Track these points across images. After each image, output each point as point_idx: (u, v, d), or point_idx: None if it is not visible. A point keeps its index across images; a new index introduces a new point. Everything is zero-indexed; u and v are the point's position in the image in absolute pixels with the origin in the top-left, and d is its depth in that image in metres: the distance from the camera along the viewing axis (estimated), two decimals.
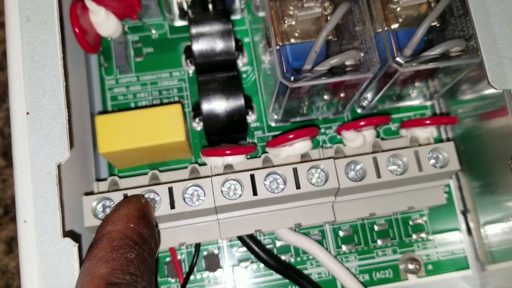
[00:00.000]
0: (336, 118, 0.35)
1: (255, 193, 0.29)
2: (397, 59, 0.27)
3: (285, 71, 0.27)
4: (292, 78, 0.27)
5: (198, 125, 0.35)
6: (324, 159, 0.30)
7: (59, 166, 0.23)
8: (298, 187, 0.29)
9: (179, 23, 0.36)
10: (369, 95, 0.33)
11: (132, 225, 0.24)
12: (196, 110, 0.35)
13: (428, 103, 0.35)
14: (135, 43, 0.37)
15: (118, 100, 0.36)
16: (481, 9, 0.24)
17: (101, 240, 0.23)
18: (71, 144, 0.23)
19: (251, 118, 0.35)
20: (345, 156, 0.30)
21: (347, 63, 0.28)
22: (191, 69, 0.36)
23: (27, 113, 0.23)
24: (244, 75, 0.36)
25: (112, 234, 0.23)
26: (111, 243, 0.23)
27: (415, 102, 0.35)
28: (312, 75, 0.27)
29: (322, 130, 0.35)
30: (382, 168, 0.29)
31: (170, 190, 0.29)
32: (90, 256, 0.22)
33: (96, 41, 0.34)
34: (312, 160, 0.30)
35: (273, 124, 0.35)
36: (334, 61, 0.27)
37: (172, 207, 0.28)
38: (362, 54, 0.27)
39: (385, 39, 0.27)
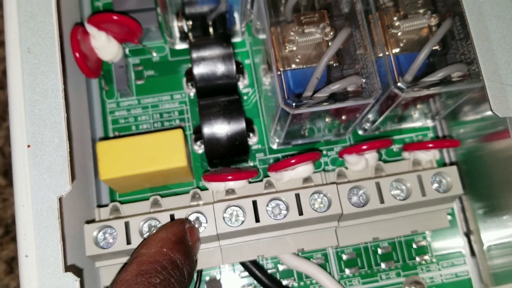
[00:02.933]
0: (338, 140, 0.35)
1: (257, 220, 0.28)
2: (399, 84, 0.27)
3: (286, 97, 0.27)
4: (294, 104, 0.27)
5: (199, 148, 0.35)
6: (327, 184, 0.29)
7: (60, 199, 0.22)
8: (300, 213, 0.28)
9: (180, 46, 0.36)
10: (370, 117, 0.32)
11: (165, 250, 0.24)
12: (198, 133, 0.35)
13: (430, 124, 0.35)
14: (136, 66, 0.37)
15: (119, 123, 0.36)
16: (482, 36, 0.24)
17: (132, 263, 0.23)
18: (73, 177, 0.23)
19: (252, 140, 0.35)
20: (348, 181, 0.30)
21: (348, 88, 0.28)
22: (192, 92, 0.36)
23: (28, 146, 0.23)
24: (245, 97, 0.36)
25: (143, 258, 0.23)
26: (139, 267, 0.23)
27: (417, 124, 0.34)
28: (313, 102, 0.27)
29: (324, 152, 0.35)
30: (385, 193, 0.29)
31: (172, 217, 0.28)
32: (118, 279, 0.22)
33: (97, 65, 0.34)
34: (314, 186, 0.30)
35: (274, 147, 0.35)
36: (335, 87, 0.27)
37: None
38: (364, 80, 0.27)
39: (387, 64, 0.27)
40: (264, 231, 0.30)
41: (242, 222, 0.28)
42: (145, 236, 0.28)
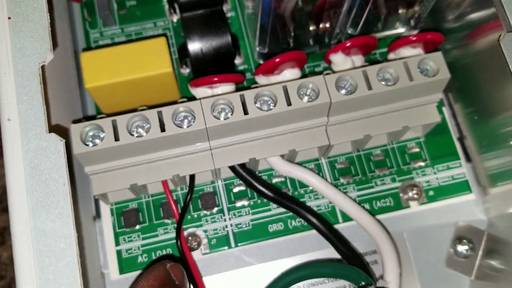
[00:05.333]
0: (323, 53, 0.35)
1: (246, 113, 0.28)
2: None
3: None
4: None
5: (185, 71, 0.35)
6: (314, 75, 0.29)
7: (43, 67, 0.22)
8: (289, 104, 0.28)
9: None
10: (353, 21, 0.33)
11: None
12: (182, 51, 0.34)
13: (415, 32, 0.35)
14: None
15: None
16: None
17: None
18: (55, 45, 0.23)
19: (238, 61, 0.35)
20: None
21: None
22: (175, 18, 0.36)
23: (9, 18, 0.22)
24: (228, 21, 0.36)
25: None
26: None
27: (401, 30, 0.35)
28: None
29: (311, 68, 0.35)
30: (373, 81, 0.29)
31: (160, 114, 0.28)
32: None
33: None
34: (301, 78, 0.30)
35: (261, 62, 0.35)
36: None
37: (163, 130, 0.27)
38: None
39: None
40: (254, 129, 0.29)
41: (231, 115, 0.28)
42: (133, 134, 0.27)
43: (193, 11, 0.33)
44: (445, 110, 0.35)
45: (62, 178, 0.20)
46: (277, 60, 0.30)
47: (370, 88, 0.28)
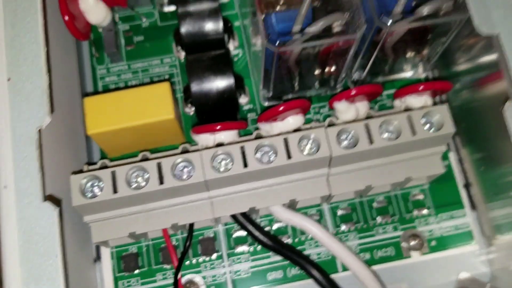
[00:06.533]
0: (329, 95, 0.35)
1: (245, 165, 0.28)
2: (383, 19, 0.26)
3: (269, 36, 0.27)
4: (278, 42, 0.26)
5: (190, 110, 0.35)
6: (315, 128, 0.29)
7: (40, 131, 0.22)
8: (289, 157, 0.28)
9: (169, 8, 0.36)
10: (360, 65, 0.32)
11: None
12: (187, 92, 0.34)
13: (422, 74, 0.34)
14: (126, 32, 0.37)
15: (110, 89, 0.36)
16: None
17: None
18: (52, 109, 0.23)
19: (243, 100, 0.35)
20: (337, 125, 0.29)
21: (334, 29, 0.28)
22: (182, 55, 0.36)
23: (9, 79, 0.22)
24: (235, 59, 0.36)
25: None
26: None
27: (408, 74, 0.34)
28: (297, 39, 0.27)
29: (316, 110, 0.35)
30: (375, 134, 0.28)
31: (159, 165, 0.28)
32: None
33: (86, 29, 0.34)
34: (302, 130, 0.29)
35: (265, 104, 0.34)
36: (319, 24, 0.27)
37: (161, 182, 0.27)
38: (347, 14, 0.27)
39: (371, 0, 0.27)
40: (254, 180, 0.29)
41: (230, 168, 0.28)
42: (132, 186, 0.27)
43: (198, 52, 0.33)
44: (452, 155, 0.34)
45: (55, 250, 0.20)
46: (281, 109, 0.30)
47: (371, 142, 0.28)
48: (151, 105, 0.30)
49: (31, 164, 0.21)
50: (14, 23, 0.23)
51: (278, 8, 0.28)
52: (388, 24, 0.26)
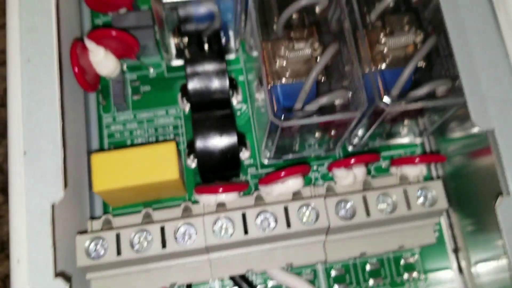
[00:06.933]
0: (328, 155, 0.36)
1: (246, 232, 0.29)
2: (384, 99, 0.28)
3: (275, 110, 0.28)
4: (283, 117, 0.27)
5: (192, 163, 0.36)
6: (315, 197, 0.30)
7: (53, 206, 0.23)
8: (289, 225, 0.29)
9: (176, 62, 0.37)
10: (359, 133, 0.33)
11: None
12: (191, 147, 0.35)
13: (418, 140, 0.36)
14: (133, 82, 0.38)
15: (115, 137, 0.36)
16: (464, 51, 0.25)
17: None
18: (66, 184, 0.24)
19: (244, 155, 0.36)
20: (336, 195, 0.30)
21: (336, 102, 0.29)
22: (187, 107, 0.37)
23: (24, 152, 0.23)
24: (238, 113, 0.37)
25: None
26: None
27: (405, 140, 0.35)
28: (302, 115, 0.28)
29: (314, 168, 0.36)
30: (372, 207, 0.29)
31: (162, 229, 0.29)
32: None
33: (95, 80, 0.35)
34: (302, 199, 0.30)
35: (266, 162, 0.35)
36: (323, 100, 0.28)
37: (164, 246, 0.28)
38: (350, 94, 0.28)
39: (373, 80, 0.28)
40: (254, 244, 0.30)
41: (231, 234, 0.29)
42: (135, 248, 0.28)
43: (204, 108, 0.34)
44: (443, 220, 0.35)
45: None
46: (282, 174, 0.31)
47: (368, 214, 0.29)
48: (156, 165, 0.31)
49: (44, 240, 0.22)
50: (32, 96, 0.24)
51: (284, 80, 0.29)
52: (388, 106, 0.27)
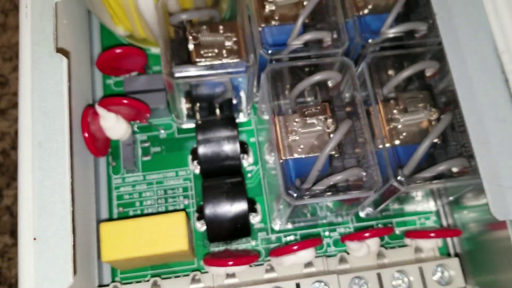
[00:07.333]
0: (340, 222, 0.35)
1: None
2: (399, 178, 0.27)
3: (288, 188, 0.27)
4: (295, 196, 0.27)
5: (202, 226, 0.35)
6: (328, 274, 0.29)
7: None
8: None
9: (187, 125, 0.37)
10: (372, 203, 0.33)
11: None
12: (201, 212, 0.35)
13: (433, 207, 0.35)
14: (143, 142, 0.37)
15: (124, 199, 0.36)
16: (481, 139, 0.25)
17: None
18: (75, 271, 0.23)
19: (255, 219, 0.35)
20: (350, 270, 0.30)
21: (350, 179, 0.28)
22: (197, 169, 0.37)
23: (34, 239, 0.23)
24: (249, 175, 0.37)
25: None
26: None
27: (420, 208, 0.35)
28: (314, 193, 0.27)
29: (326, 233, 0.35)
30: (386, 285, 0.29)
31: None
32: None
33: (105, 144, 0.35)
34: (316, 275, 0.30)
35: (276, 228, 0.35)
36: (336, 179, 0.27)
37: None
38: (364, 174, 0.28)
39: (387, 157, 0.28)
40: None
41: None
42: None
43: (214, 176, 0.34)
44: None
45: None
46: (295, 248, 0.30)
47: None
48: (165, 236, 0.30)
49: None
50: (42, 181, 0.24)
51: (296, 155, 0.29)
52: (403, 185, 0.27)
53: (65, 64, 0.25)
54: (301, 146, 0.29)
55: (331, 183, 0.27)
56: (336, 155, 0.29)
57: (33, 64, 0.25)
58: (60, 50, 0.26)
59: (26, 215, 0.23)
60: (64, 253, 0.23)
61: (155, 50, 0.39)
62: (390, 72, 0.30)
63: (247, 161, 0.37)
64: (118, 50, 0.34)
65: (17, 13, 0.66)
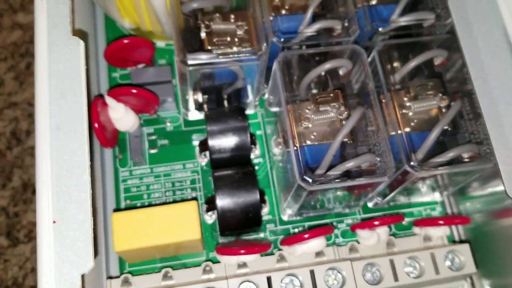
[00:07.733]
0: (348, 212, 0.35)
1: None
2: (412, 163, 0.28)
3: (303, 173, 0.28)
4: (311, 181, 0.27)
5: (210, 218, 0.35)
6: (341, 260, 0.29)
7: (83, 276, 0.22)
8: None
9: (194, 116, 0.37)
10: (381, 192, 0.33)
11: None
12: (209, 203, 0.35)
13: (439, 198, 0.35)
14: (150, 135, 0.37)
15: (131, 191, 0.36)
16: (495, 121, 0.25)
17: None
18: (96, 253, 0.23)
19: (263, 211, 0.35)
20: (361, 257, 0.30)
21: (362, 166, 0.29)
22: (205, 161, 0.37)
23: (54, 222, 0.23)
24: (256, 167, 0.37)
25: None
26: None
27: (426, 198, 0.35)
28: (329, 179, 0.28)
29: (334, 224, 0.35)
30: (399, 271, 0.29)
31: None
32: None
33: (114, 136, 0.35)
34: (328, 262, 0.30)
35: (285, 218, 0.35)
36: (349, 165, 0.28)
37: None
38: (378, 159, 0.28)
39: (400, 143, 0.28)
40: None
41: None
42: None
43: (224, 169, 0.34)
44: (466, 284, 0.34)
45: None
46: (306, 236, 0.30)
47: (396, 279, 0.29)
48: (178, 225, 0.30)
49: None
50: (61, 165, 0.24)
51: (309, 142, 0.29)
52: (417, 170, 0.27)
53: (82, 47, 0.25)
54: (314, 134, 0.30)
55: (346, 168, 0.28)
56: (349, 142, 0.30)
57: (50, 47, 0.25)
58: (77, 33, 0.26)
59: (45, 197, 0.23)
60: (84, 235, 0.23)
61: (160, 44, 0.39)
62: (400, 60, 0.30)
63: (254, 154, 0.37)
64: (126, 41, 0.34)
65: (12, 13, 0.65)
